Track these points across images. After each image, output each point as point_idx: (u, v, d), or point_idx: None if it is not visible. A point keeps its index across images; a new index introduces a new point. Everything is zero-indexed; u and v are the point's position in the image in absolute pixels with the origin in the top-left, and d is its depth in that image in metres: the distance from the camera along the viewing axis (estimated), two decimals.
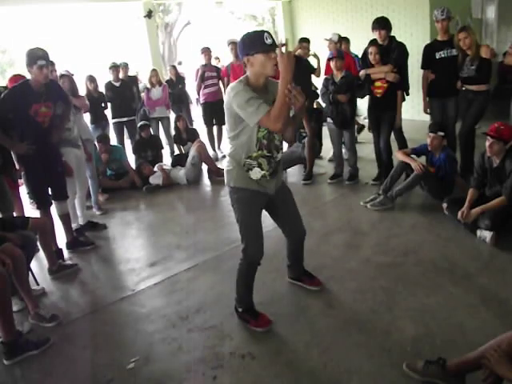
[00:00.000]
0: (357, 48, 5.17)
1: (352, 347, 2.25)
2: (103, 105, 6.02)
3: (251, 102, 2.04)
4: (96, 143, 5.32)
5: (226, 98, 2.18)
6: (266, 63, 2.06)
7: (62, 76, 4.32)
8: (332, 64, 4.58)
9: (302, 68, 5.70)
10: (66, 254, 3.75)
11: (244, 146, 2.23)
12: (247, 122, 2.11)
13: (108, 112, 6.27)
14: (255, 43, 2.05)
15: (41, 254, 3.48)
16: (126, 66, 6.67)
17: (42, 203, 3.57)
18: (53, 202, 3.65)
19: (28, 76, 3.35)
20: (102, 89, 6.16)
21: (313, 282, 2.85)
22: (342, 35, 6.41)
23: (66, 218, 3.75)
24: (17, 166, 3.83)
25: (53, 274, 3.38)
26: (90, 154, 4.42)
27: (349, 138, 4.76)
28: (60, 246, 3.69)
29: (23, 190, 4.51)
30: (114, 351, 2.45)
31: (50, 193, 3.63)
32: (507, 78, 7.64)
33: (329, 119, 4.76)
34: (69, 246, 3.83)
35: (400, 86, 4.36)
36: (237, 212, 2.37)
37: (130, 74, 6.96)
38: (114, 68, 6.24)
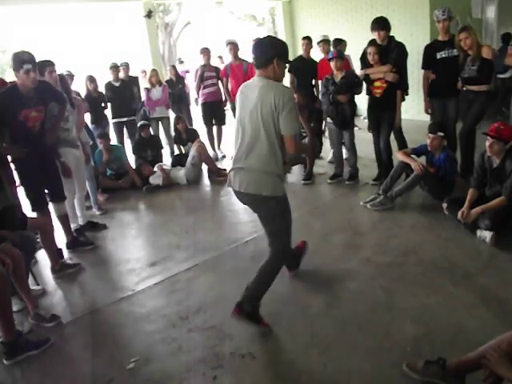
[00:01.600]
0: (356, 48, 5.17)
1: (352, 347, 2.25)
2: (103, 105, 6.03)
3: (295, 115, 2.28)
4: (98, 140, 5.35)
5: (272, 98, 2.18)
6: (283, 71, 2.36)
7: (58, 75, 4.32)
8: (332, 64, 4.58)
9: (305, 68, 5.68)
10: (66, 254, 3.74)
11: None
12: (282, 127, 2.23)
13: (108, 112, 6.28)
14: (287, 55, 2.36)
15: (40, 253, 3.48)
16: (126, 66, 6.68)
17: (37, 206, 3.51)
18: (50, 203, 3.62)
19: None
20: (101, 89, 6.17)
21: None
22: (342, 35, 6.40)
23: (64, 219, 3.74)
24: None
25: (56, 273, 3.38)
26: (88, 155, 4.42)
27: (349, 138, 4.76)
28: (59, 246, 3.68)
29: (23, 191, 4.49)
30: (113, 351, 2.45)
31: (47, 193, 3.61)
32: None
33: (329, 119, 4.76)
34: (69, 246, 3.83)
35: (399, 86, 4.36)
36: (283, 221, 2.37)
37: (132, 74, 6.95)
38: (114, 68, 6.25)
